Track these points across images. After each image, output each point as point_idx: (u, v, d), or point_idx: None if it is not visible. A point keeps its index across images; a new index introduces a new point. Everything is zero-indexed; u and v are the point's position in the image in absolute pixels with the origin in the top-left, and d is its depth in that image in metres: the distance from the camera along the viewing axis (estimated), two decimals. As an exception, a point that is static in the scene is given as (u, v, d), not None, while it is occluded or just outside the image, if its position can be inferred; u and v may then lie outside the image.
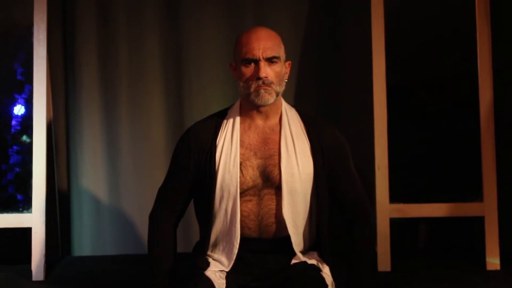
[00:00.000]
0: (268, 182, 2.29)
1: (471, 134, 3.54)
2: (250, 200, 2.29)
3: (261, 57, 2.24)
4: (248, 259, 2.30)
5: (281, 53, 2.29)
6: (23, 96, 3.64)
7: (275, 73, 2.26)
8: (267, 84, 2.24)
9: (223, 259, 2.30)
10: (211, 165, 2.29)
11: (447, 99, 3.75)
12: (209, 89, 3.82)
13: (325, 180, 2.34)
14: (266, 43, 2.25)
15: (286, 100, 2.41)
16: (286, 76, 2.34)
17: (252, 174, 2.28)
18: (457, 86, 3.73)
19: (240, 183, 2.27)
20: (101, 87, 3.83)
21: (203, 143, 2.33)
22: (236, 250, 2.27)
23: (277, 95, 2.28)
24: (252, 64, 2.25)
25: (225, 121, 2.36)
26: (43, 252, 3.37)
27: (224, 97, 3.72)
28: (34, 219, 3.39)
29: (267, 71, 2.24)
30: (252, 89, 2.25)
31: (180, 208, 2.41)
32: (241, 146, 2.31)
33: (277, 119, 2.35)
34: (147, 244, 2.40)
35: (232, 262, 2.27)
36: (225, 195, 2.28)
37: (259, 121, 2.34)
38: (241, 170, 2.27)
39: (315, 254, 2.39)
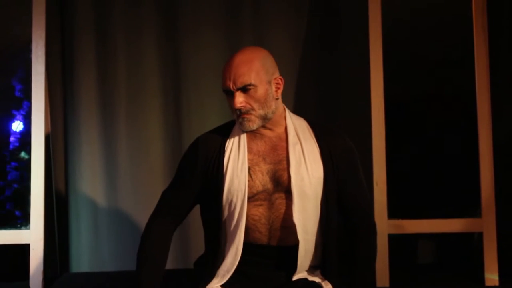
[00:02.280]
0: (279, 186, 2.29)
1: (469, 149, 3.54)
2: (261, 205, 2.29)
3: (232, 88, 2.23)
4: (250, 274, 2.31)
5: (259, 76, 2.24)
6: (21, 112, 3.64)
7: (253, 100, 2.24)
8: (245, 112, 2.24)
9: (226, 265, 2.29)
10: (219, 170, 2.30)
11: (445, 114, 3.75)
12: (208, 106, 3.82)
13: (335, 186, 2.33)
14: (237, 72, 2.22)
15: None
16: (276, 94, 2.30)
17: (262, 178, 2.29)
18: (455, 101, 3.73)
19: (249, 187, 2.27)
20: (100, 103, 3.82)
21: (211, 150, 2.33)
22: (240, 254, 2.26)
23: (264, 118, 2.27)
24: (229, 94, 2.26)
25: (233, 130, 2.37)
26: (42, 268, 3.36)
27: (222, 113, 3.70)
28: (32, 235, 3.38)
29: (241, 101, 2.23)
30: (236, 118, 2.28)
31: (179, 213, 2.40)
32: (249, 152, 2.31)
33: (283, 129, 2.35)
34: (139, 243, 2.41)
35: (235, 266, 2.27)
36: (234, 199, 2.27)
37: (265, 131, 2.34)
38: (250, 174, 2.27)
39: (317, 272, 2.39)
